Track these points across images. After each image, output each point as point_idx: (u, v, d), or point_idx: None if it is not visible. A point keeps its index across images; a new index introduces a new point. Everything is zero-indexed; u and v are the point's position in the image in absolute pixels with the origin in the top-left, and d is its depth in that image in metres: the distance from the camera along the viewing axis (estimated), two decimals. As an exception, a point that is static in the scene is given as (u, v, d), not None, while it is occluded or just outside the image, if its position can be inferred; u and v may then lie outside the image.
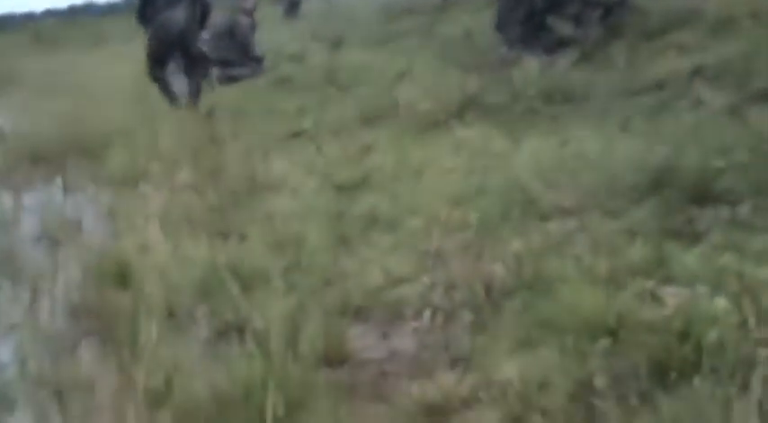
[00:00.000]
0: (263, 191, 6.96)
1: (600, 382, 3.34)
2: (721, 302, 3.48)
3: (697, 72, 7.71)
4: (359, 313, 4.68)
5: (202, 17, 10.96)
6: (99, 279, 5.41)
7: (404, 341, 4.32)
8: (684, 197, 5.13)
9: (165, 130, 8.96)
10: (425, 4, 16.66)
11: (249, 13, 13.59)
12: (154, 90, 11.20)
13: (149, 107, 11.06)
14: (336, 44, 14.60)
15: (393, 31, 14.78)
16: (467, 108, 8.08)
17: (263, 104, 10.75)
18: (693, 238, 4.64)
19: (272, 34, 16.46)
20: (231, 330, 4.44)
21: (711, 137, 5.84)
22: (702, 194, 5.13)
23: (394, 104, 8.92)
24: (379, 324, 4.56)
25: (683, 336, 3.46)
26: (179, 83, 10.86)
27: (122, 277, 5.29)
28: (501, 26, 10.65)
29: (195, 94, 10.86)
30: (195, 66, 11.01)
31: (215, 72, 12.07)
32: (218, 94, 11.45)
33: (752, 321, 3.34)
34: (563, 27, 9.83)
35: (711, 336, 3.33)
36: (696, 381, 3.15)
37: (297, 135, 8.95)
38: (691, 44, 8.75)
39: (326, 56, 13.41)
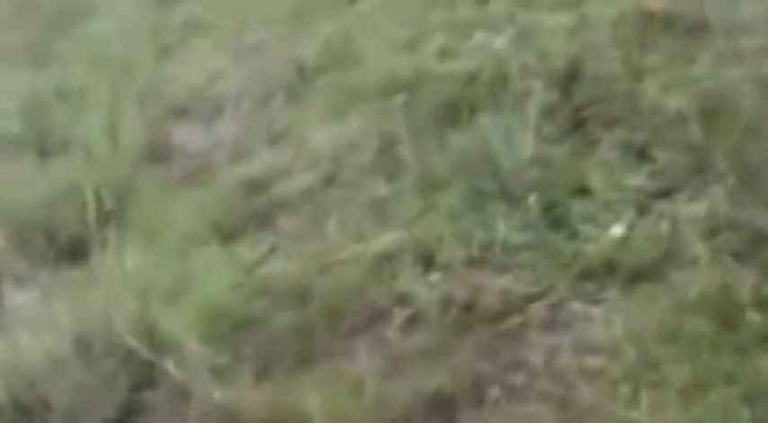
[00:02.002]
0: (83, 17, 6.91)
1: (401, 132, 3.64)
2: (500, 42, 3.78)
3: None
4: (182, 112, 4.85)
5: None
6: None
7: (226, 130, 4.54)
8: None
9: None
10: None
11: None
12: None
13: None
14: None
15: None
16: None
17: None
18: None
19: None
20: (58, 149, 4.60)
21: None
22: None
23: None
24: (202, 119, 4.75)
25: (471, 79, 3.77)
26: None
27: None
28: None
29: None
30: None
31: None
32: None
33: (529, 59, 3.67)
34: None
35: (494, 74, 3.65)
36: (482, 116, 3.47)
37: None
38: None
39: None
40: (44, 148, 4.64)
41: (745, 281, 2.64)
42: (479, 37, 4.11)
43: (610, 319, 2.73)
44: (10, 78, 5.62)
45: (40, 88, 5.24)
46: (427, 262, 3.13)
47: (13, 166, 4.48)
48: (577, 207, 3.09)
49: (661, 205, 3.00)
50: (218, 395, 2.82)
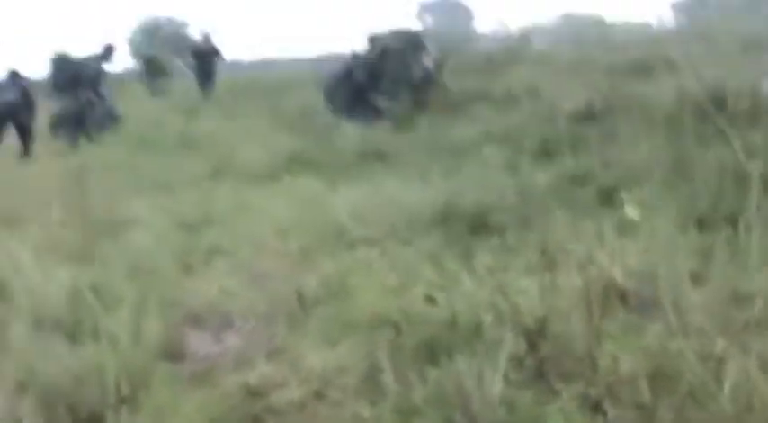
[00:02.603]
0: (125, 228, 6.94)
1: (384, 364, 3.55)
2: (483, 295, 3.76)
3: (485, 137, 8.18)
4: (198, 321, 4.77)
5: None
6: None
7: (233, 341, 4.44)
8: (464, 229, 5.47)
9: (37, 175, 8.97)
10: (269, 82, 16.96)
11: None
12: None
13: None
14: (193, 114, 14.70)
15: (241, 105, 14.95)
16: (294, 163, 8.31)
17: (127, 162, 10.70)
18: (469, 259, 4.95)
19: (138, 106, 16.46)
20: (88, 335, 4.47)
21: (490, 184, 6.24)
22: (479, 226, 5.47)
23: (236, 161, 9.07)
24: (214, 329, 4.66)
25: (451, 325, 3.73)
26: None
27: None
28: (328, 98, 11.07)
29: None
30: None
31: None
32: (89, 152, 11.47)
33: (506, 312, 3.64)
34: (379, 100, 10.29)
35: (471, 323, 3.61)
36: (459, 358, 3.40)
37: (154, 186, 8.96)
38: (481, 116, 9.26)
39: (184, 124, 13.45)
40: (76, 332, 4.52)
41: None
42: (461, 289, 4.10)
43: None
44: (57, 270, 5.57)
45: (80, 282, 5.17)
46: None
47: (48, 345, 4.34)
48: (537, 448, 2.98)
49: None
50: None
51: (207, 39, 21.45)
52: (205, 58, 20.90)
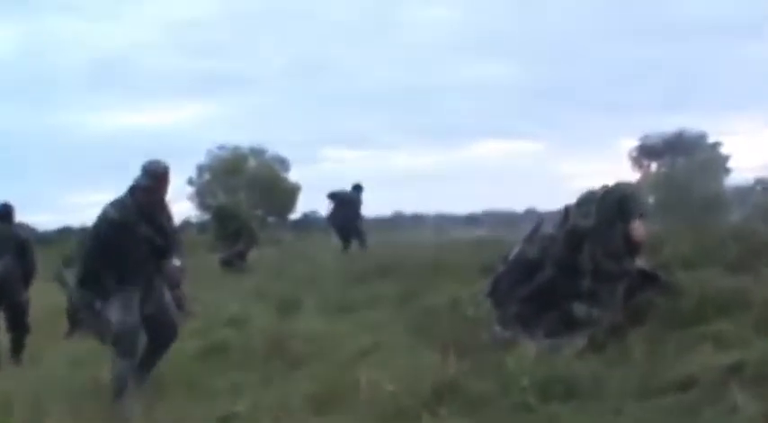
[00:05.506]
0: None
1: None
2: None
3: (734, 371, 7.87)
4: None
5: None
6: None
7: None
8: None
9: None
10: (405, 265, 17.09)
11: None
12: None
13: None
14: (287, 307, 14.94)
15: (360, 296, 15.13)
16: (443, 397, 8.23)
17: (188, 378, 10.87)
18: None
19: (208, 290, 16.90)
20: None
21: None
22: None
23: (354, 387, 9.09)
24: None
25: None
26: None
27: None
28: (496, 300, 10.87)
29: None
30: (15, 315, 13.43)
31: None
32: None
33: None
34: (574, 307, 10.05)
35: None
36: None
37: (227, 421, 9.05)
38: (731, 336, 8.97)
39: (274, 321, 13.65)
40: None
41: None
42: None
43: None
44: None
45: None
46: None
47: None
48: None
49: None
50: None
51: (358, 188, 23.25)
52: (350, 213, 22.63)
